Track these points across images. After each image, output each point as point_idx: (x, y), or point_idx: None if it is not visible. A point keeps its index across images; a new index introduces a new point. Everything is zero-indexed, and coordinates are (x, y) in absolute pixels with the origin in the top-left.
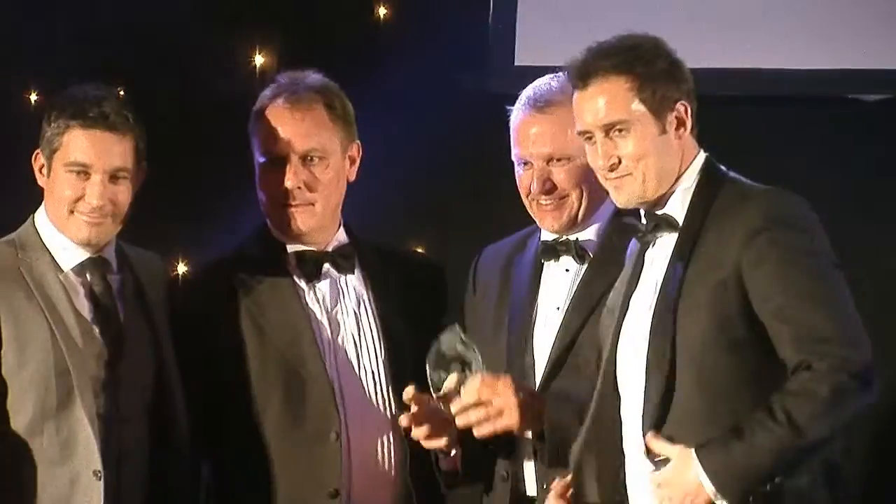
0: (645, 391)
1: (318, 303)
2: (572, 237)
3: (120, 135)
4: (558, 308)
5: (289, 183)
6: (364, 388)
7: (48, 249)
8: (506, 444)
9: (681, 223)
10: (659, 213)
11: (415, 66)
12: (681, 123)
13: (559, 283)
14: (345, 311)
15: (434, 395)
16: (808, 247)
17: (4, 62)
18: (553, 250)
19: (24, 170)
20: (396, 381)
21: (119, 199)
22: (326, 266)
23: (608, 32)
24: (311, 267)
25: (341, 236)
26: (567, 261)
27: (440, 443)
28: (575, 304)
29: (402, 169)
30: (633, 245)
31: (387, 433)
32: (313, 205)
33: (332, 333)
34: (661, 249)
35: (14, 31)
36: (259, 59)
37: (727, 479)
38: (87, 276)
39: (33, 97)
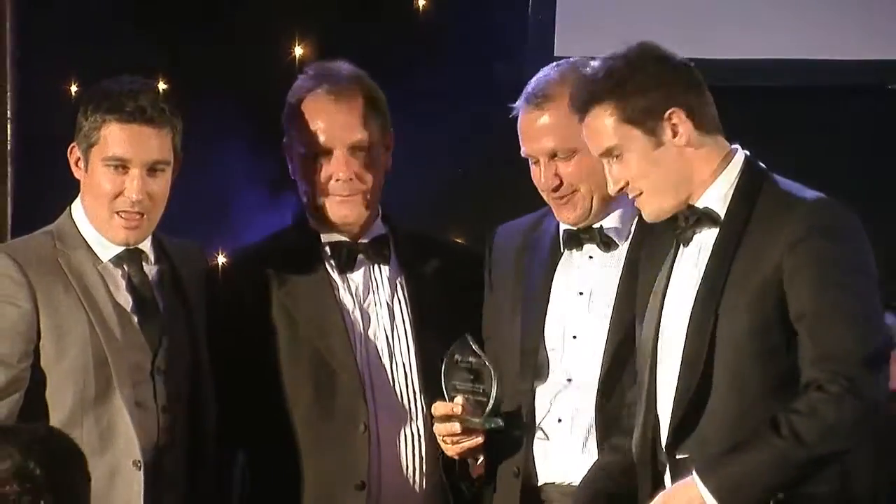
0: (677, 388)
1: (351, 294)
2: (596, 225)
3: (157, 128)
4: (581, 293)
5: (342, 174)
6: (394, 380)
7: (85, 240)
8: (519, 440)
9: (721, 219)
10: (700, 207)
11: (453, 57)
12: (677, 129)
13: (583, 269)
14: (378, 302)
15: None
16: (845, 260)
17: (45, 53)
18: (576, 238)
19: (63, 161)
20: (428, 375)
21: (157, 192)
22: (361, 257)
23: (646, 22)
24: (344, 258)
25: (378, 227)
26: (591, 248)
27: (466, 446)
28: (621, 297)
29: (440, 159)
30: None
31: (417, 427)
32: (363, 195)
33: (363, 325)
34: (698, 246)
35: (55, 22)
36: (298, 51)
37: (729, 494)
38: (125, 267)
39: (73, 89)
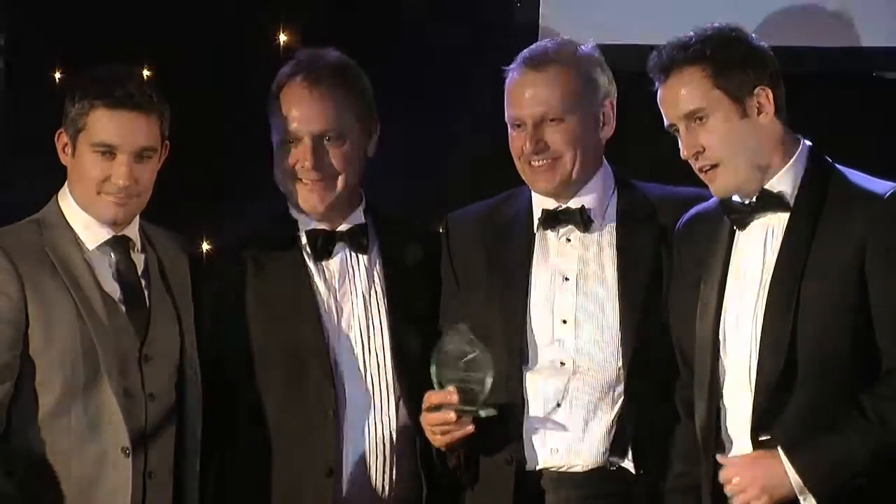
0: (759, 371)
1: (327, 282)
2: (575, 205)
3: (145, 114)
4: (567, 279)
5: (307, 162)
6: (367, 369)
7: (72, 228)
8: (509, 429)
9: (791, 204)
10: (774, 191)
11: (438, 42)
12: (763, 108)
13: (562, 252)
14: (354, 291)
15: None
16: None
17: (30, 40)
18: (554, 218)
19: (48, 149)
20: (402, 364)
21: (144, 178)
22: (338, 245)
23: (630, 9)
24: (320, 245)
25: (357, 215)
26: (568, 229)
27: (457, 435)
28: (627, 283)
29: (423, 146)
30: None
31: (389, 415)
32: (332, 182)
33: (337, 313)
34: (762, 230)
35: (40, 9)
36: (283, 37)
37: (818, 476)
38: (112, 254)
39: (58, 75)
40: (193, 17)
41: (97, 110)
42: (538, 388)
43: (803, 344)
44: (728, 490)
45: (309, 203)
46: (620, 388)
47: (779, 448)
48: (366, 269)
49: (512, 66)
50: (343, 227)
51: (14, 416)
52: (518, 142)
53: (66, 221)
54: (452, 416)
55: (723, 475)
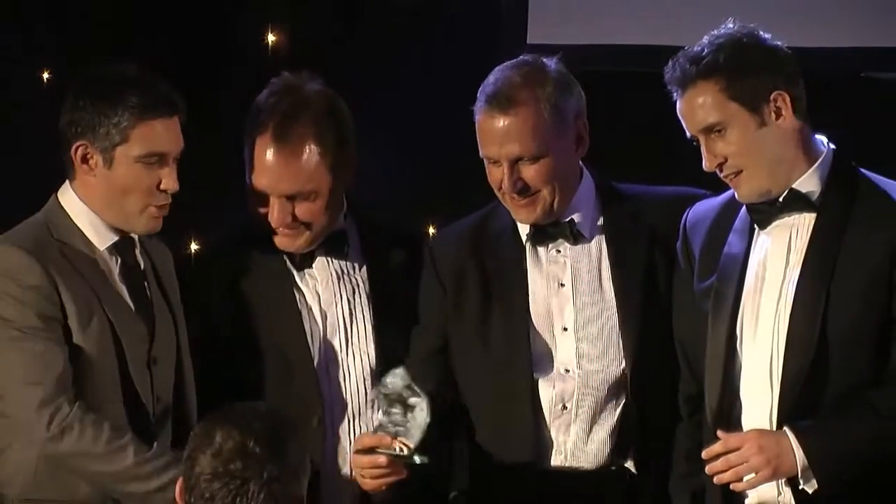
0: (785, 371)
1: (310, 287)
2: (565, 219)
3: (178, 116)
4: (563, 284)
5: (274, 219)
6: (351, 374)
7: (79, 229)
8: (520, 434)
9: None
10: (803, 190)
11: (426, 45)
12: (780, 112)
13: (555, 263)
14: (337, 295)
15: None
16: None
17: (17, 41)
18: (543, 234)
19: (37, 149)
20: (387, 369)
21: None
22: (318, 253)
23: (617, 9)
24: (300, 260)
25: (338, 222)
26: (558, 243)
27: (388, 481)
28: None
29: (411, 149)
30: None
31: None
32: (304, 230)
33: (321, 318)
34: (786, 230)
35: (27, 9)
36: (271, 38)
37: (825, 461)
38: (118, 256)
39: (46, 76)
40: (183, 16)
41: (147, 122)
42: (545, 395)
43: (831, 345)
44: (730, 460)
45: (282, 245)
46: (624, 391)
47: (786, 428)
48: (349, 273)
49: (479, 102)
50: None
51: None
52: (496, 175)
53: (74, 223)
54: (383, 460)
55: (726, 444)
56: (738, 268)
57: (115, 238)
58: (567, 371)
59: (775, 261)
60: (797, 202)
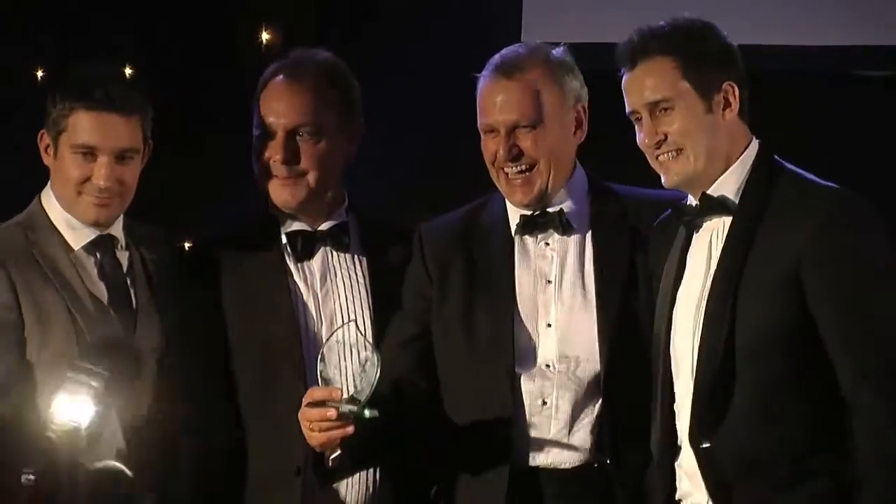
0: (696, 378)
1: (306, 282)
2: (553, 209)
3: (126, 115)
4: (549, 281)
5: (277, 156)
6: (348, 368)
7: (57, 229)
8: (501, 430)
9: (735, 207)
10: (715, 195)
11: (420, 43)
12: (727, 105)
13: (542, 256)
14: (335, 290)
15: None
16: (869, 252)
17: (11, 38)
18: (533, 224)
19: (30, 146)
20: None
21: (126, 179)
22: (319, 245)
23: (611, 8)
24: (300, 246)
25: (339, 214)
26: (547, 234)
27: (336, 434)
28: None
29: (406, 146)
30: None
31: None
32: (303, 179)
33: (315, 313)
34: (710, 234)
35: (20, 6)
36: (265, 36)
37: None
38: (97, 254)
39: (40, 73)
40: (177, 16)
41: (78, 112)
42: (525, 390)
43: (739, 352)
44: None
45: (280, 198)
46: (603, 388)
47: None
48: (348, 268)
49: (484, 71)
50: (324, 227)
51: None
52: (491, 147)
53: (51, 222)
54: (332, 413)
55: None
56: (673, 273)
57: (93, 236)
58: (548, 367)
59: (697, 267)
60: (713, 206)
